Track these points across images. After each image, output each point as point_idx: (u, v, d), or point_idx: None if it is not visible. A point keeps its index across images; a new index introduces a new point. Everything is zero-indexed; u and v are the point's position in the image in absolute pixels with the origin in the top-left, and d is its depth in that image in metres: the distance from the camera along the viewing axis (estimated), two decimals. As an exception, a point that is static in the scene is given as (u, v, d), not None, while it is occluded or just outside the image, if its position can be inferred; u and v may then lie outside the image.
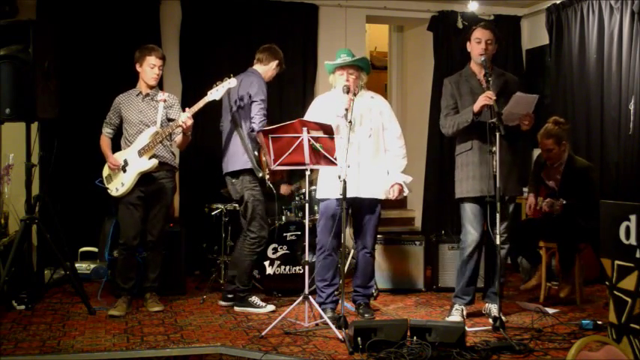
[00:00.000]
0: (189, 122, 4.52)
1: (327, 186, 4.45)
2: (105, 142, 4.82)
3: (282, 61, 4.94)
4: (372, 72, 4.68)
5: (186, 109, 4.57)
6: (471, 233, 4.43)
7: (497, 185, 4.08)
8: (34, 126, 4.76)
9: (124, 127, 4.78)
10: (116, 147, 4.83)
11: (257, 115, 4.64)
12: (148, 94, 4.77)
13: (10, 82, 4.47)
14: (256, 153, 4.70)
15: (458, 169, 4.50)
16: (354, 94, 4.36)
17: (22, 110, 4.51)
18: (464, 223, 4.49)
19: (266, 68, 4.87)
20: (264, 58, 4.87)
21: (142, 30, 5.91)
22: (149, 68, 4.71)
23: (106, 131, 4.84)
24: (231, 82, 4.51)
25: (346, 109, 4.26)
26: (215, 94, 4.51)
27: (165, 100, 4.75)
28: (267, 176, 4.76)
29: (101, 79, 5.74)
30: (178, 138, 4.72)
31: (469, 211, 4.43)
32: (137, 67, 4.75)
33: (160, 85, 5.89)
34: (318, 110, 4.53)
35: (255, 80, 4.73)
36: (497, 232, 4.13)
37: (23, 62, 4.47)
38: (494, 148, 4.13)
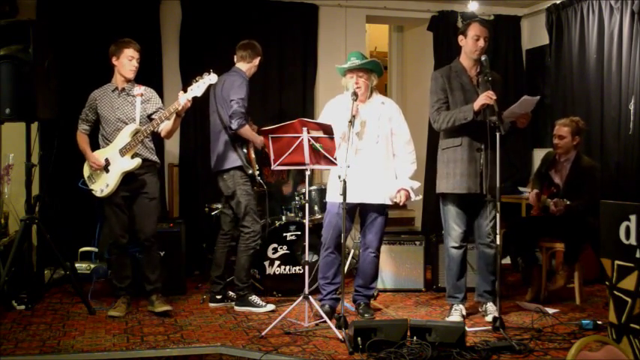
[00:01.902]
0: (188, 104, 4.40)
1: (336, 189, 4.42)
2: (83, 139, 4.71)
3: (262, 55, 4.93)
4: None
5: (168, 111, 4.48)
6: (454, 229, 4.44)
7: (498, 185, 4.08)
8: (34, 126, 4.76)
9: (101, 124, 4.67)
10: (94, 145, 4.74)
11: (234, 114, 4.63)
12: (123, 89, 4.66)
13: (10, 82, 4.47)
14: (245, 150, 4.71)
15: (443, 164, 4.47)
16: (362, 101, 4.38)
17: (22, 110, 4.52)
18: (446, 219, 4.49)
19: (249, 65, 4.85)
20: (248, 55, 4.84)
21: (142, 30, 5.89)
22: (127, 60, 4.61)
23: (82, 128, 4.73)
24: (211, 78, 4.42)
25: (353, 116, 4.26)
26: (196, 90, 4.39)
27: (142, 95, 4.67)
28: (257, 172, 4.78)
29: (101, 79, 5.68)
30: (167, 124, 4.57)
31: (452, 207, 4.44)
32: (113, 60, 4.64)
33: (160, 85, 5.92)
34: (329, 118, 4.47)
35: (238, 80, 4.71)
36: (498, 232, 4.14)
37: (23, 62, 4.47)
38: (482, 146, 4.15)
